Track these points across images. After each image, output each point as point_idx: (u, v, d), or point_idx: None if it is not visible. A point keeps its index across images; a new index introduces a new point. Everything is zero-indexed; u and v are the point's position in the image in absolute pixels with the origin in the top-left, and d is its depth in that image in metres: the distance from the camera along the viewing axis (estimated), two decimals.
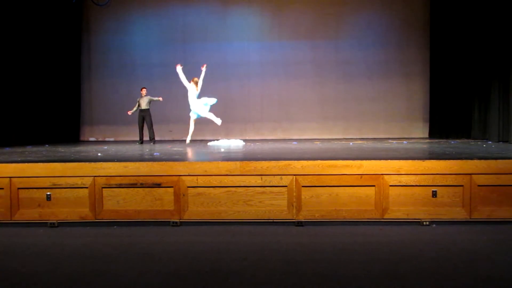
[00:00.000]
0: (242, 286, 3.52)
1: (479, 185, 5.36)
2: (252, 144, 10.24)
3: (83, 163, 5.67)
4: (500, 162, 5.44)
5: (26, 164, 5.66)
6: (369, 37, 13.23)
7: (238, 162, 5.53)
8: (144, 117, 10.78)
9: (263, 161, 5.53)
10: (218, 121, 9.78)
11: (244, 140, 11.47)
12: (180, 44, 13.52)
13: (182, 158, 6.72)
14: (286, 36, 13.38)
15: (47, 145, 10.35)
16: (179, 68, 9.61)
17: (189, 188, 5.45)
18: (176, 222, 5.43)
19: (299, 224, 5.37)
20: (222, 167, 5.50)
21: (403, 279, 3.62)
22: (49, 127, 12.00)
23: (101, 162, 5.61)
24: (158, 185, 5.47)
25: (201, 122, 13.37)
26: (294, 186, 5.41)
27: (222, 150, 8.49)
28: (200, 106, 9.64)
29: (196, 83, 9.62)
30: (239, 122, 13.47)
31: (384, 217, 5.39)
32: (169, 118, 13.07)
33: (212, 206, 5.44)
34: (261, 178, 5.43)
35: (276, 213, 5.42)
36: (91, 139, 13.55)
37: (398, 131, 13.18)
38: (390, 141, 11.13)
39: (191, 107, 9.71)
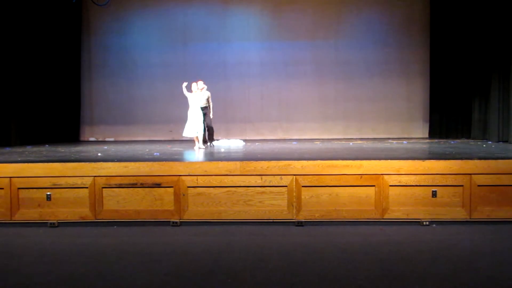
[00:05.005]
0: (242, 286, 3.52)
1: (479, 185, 5.36)
2: (252, 144, 10.24)
3: (83, 163, 5.67)
4: (500, 162, 5.45)
5: (26, 164, 5.66)
6: (369, 37, 13.21)
7: (238, 162, 5.53)
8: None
9: (263, 161, 5.53)
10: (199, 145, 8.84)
11: (244, 140, 11.47)
12: (180, 44, 13.50)
13: (182, 158, 6.72)
14: (286, 36, 13.36)
15: (47, 145, 10.35)
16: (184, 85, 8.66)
17: (189, 188, 5.45)
18: (176, 222, 5.43)
19: (299, 224, 5.37)
20: (222, 167, 5.51)
21: (403, 279, 3.62)
22: (49, 127, 11.98)
23: (101, 162, 5.61)
24: (158, 185, 5.47)
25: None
26: (294, 186, 5.41)
27: (222, 150, 8.49)
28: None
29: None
30: (239, 122, 13.45)
31: (384, 217, 5.39)
32: (170, 118, 13.06)
33: (212, 206, 5.45)
34: (261, 178, 5.43)
35: (276, 213, 5.42)
36: (91, 139, 13.53)
37: (398, 131, 13.16)
38: (390, 141, 11.13)
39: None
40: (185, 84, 8.65)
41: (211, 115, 9.17)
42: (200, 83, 8.91)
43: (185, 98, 8.81)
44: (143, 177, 5.48)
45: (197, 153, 7.89)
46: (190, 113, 8.69)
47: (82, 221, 5.48)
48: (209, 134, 9.32)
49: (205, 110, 8.99)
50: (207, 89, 9.17)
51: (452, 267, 3.91)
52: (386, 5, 13.17)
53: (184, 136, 8.99)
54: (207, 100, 9.09)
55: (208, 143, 9.24)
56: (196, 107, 8.68)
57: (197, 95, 8.75)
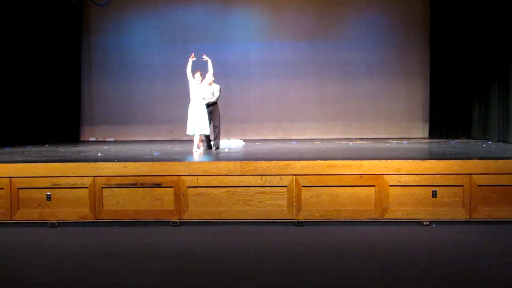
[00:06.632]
0: (242, 286, 3.52)
1: (479, 185, 5.37)
2: (252, 144, 10.24)
3: (83, 163, 5.67)
4: (500, 162, 5.45)
5: (26, 164, 5.66)
6: (369, 37, 13.21)
7: (238, 162, 5.53)
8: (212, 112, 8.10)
9: (263, 161, 5.53)
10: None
11: (244, 140, 11.46)
12: (180, 44, 13.48)
13: (182, 158, 6.72)
14: (286, 36, 13.37)
15: (47, 145, 10.35)
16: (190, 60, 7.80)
17: (189, 188, 5.45)
18: (176, 222, 5.43)
19: (299, 224, 5.37)
20: (222, 167, 5.51)
21: (402, 279, 3.62)
22: (49, 127, 11.98)
23: (101, 162, 5.62)
24: (158, 185, 5.47)
25: None
26: (294, 186, 5.41)
27: (222, 150, 8.48)
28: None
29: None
30: (239, 122, 13.45)
31: (384, 217, 5.39)
32: (170, 118, 13.06)
33: (212, 206, 5.45)
34: (261, 178, 5.43)
35: (276, 213, 5.42)
36: (91, 139, 13.53)
37: (398, 131, 13.16)
38: (390, 141, 11.13)
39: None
40: (192, 58, 7.71)
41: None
42: (209, 75, 7.87)
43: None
44: (143, 177, 5.49)
45: (197, 155, 7.32)
46: (192, 108, 7.55)
47: (82, 221, 5.48)
48: (216, 135, 8.30)
49: (212, 107, 8.05)
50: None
51: (452, 267, 3.91)
52: (386, 5, 13.17)
53: (187, 135, 7.97)
54: (219, 94, 8.19)
55: (213, 146, 8.35)
56: (199, 101, 7.58)
57: (203, 88, 7.71)
